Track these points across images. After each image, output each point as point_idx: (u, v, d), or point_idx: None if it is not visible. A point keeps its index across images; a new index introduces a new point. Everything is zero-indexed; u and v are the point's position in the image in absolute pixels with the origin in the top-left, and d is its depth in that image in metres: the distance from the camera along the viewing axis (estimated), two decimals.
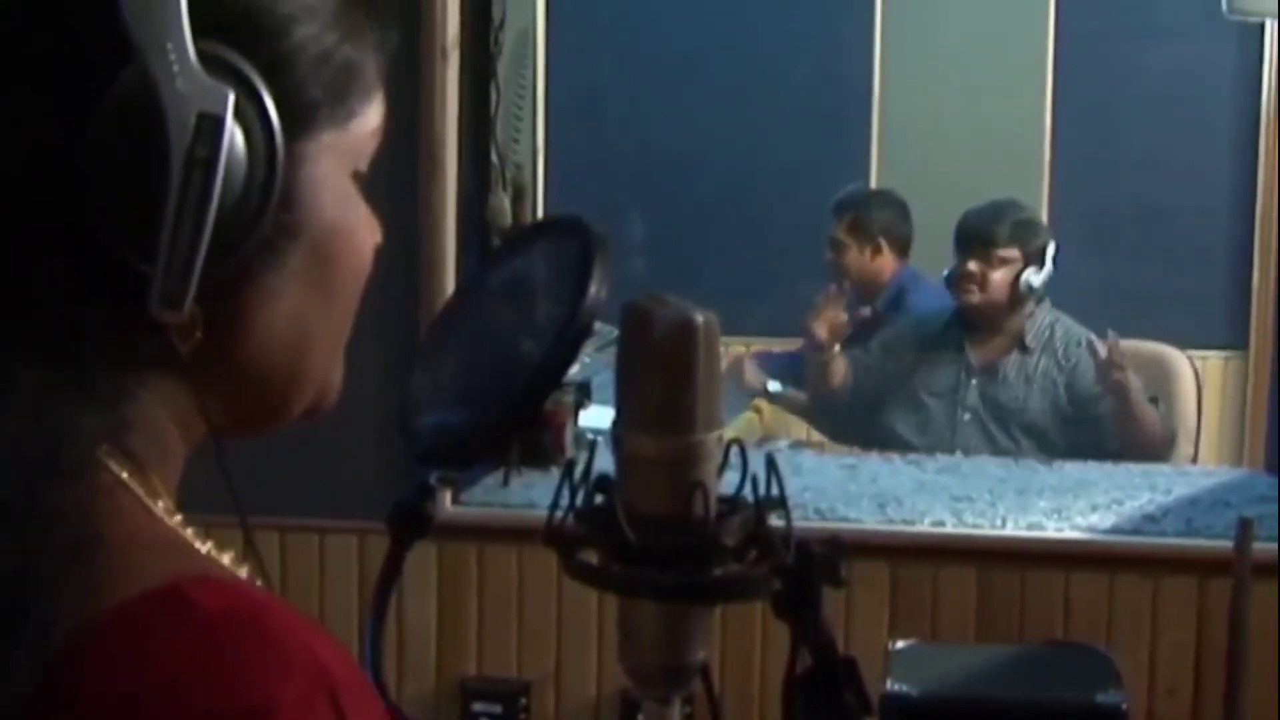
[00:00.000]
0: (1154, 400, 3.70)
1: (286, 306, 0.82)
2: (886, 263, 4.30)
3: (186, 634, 0.70)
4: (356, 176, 0.85)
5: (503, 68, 2.87)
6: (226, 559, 0.80)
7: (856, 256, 4.30)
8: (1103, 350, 3.59)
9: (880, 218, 4.33)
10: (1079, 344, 3.76)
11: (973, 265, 3.78)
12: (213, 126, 0.74)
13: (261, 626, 0.72)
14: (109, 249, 0.75)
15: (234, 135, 0.76)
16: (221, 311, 0.79)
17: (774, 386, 4.20)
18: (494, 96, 2.83)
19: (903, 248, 4.34)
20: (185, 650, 0.70)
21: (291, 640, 0.72)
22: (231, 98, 0.75)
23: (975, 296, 3.79)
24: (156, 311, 0.75)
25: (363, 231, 0.86)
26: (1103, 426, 3.70)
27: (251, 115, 0.77)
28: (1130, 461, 3.41)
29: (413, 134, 2.66)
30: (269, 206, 0.77)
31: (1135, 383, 3.62)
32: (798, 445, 4.09)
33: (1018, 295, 3.78)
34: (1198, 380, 3.90)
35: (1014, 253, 3.77)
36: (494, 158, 2.85)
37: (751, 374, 4.24)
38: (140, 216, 0.74)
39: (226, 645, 0.71)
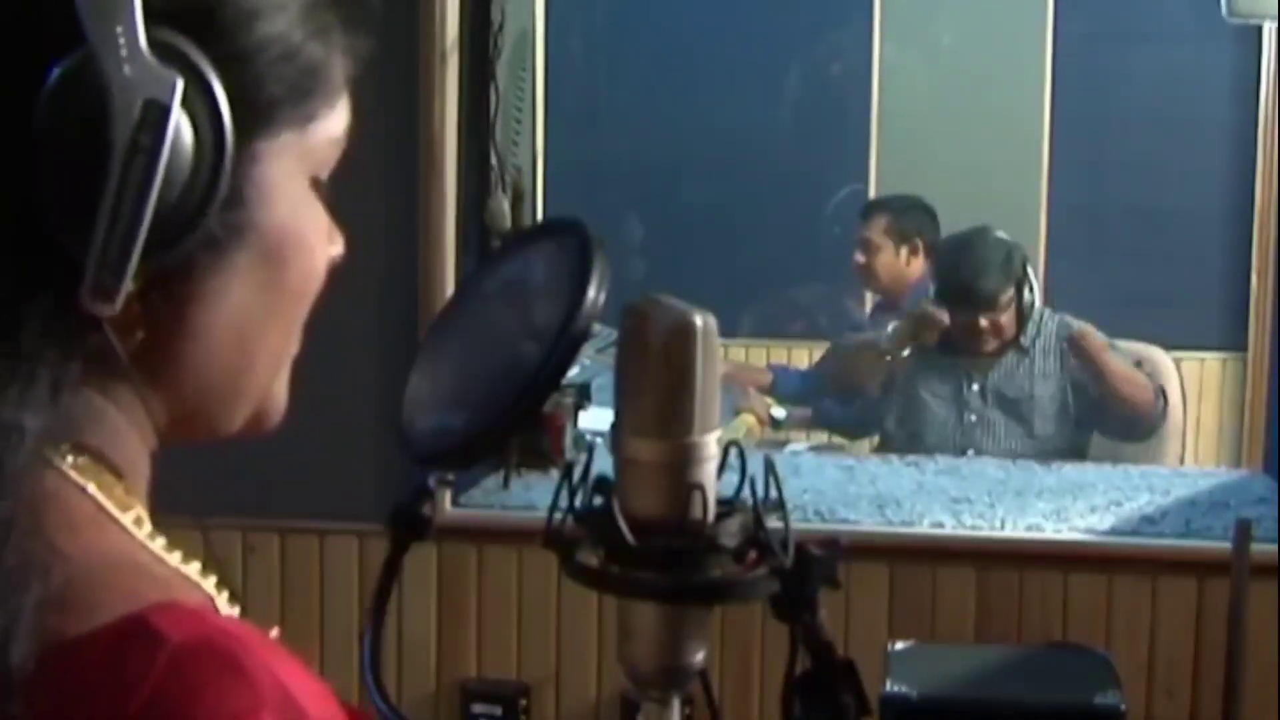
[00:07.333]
0: (1138, 364, 3.72)
1: (230, 309, 0.80)
2: (917, 267, 4.27)
3: (154, 666, 0.69)
4: (316, 184, 0.83)
5: (502, 70, 2.87)
6: (193, 569, 0.78)
7: (891, 259, 4.28)
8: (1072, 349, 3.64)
9: (916, 220, 4.29)
10: (1068, 331, 3.79)
11: (984, 322, 3.75)
12: (158, 114, 0.72)
13: (229, 657, 0.71)
14: (49, 239, 0.73)
15: (181, 126, 0.73)
16: (163, 310, 0.77)
17: (779, 414, 4.17)
18: (493, 99, 2.83)
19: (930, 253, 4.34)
20: (152, 683, 0.69)
21: (259, 671, 0.71)
22: (180, 86, 0.73)
23: (993, 344, 3.78)
24: (89, 304, 0.73)
25: (317, 240, 0.83)
26: (1106, 405, 3.71)
27: (201, 107, 0.74)
28: (1129, 434, 3.55)
29: (412, 136, 2.66)
30: (213, 201, 0.75)
31: (1111, 358, 3.66)
32: (819, 448, 4.07)
33: (1023, 318, 3.78)
34: (1181, 380, 3.91)
35: (1011, 292, 3.76)
36: (493, 160, 2.85)
37: (756, 399, 4.22)
38: (78, 204, 0.72)
39: (193, 677, 0.69)
